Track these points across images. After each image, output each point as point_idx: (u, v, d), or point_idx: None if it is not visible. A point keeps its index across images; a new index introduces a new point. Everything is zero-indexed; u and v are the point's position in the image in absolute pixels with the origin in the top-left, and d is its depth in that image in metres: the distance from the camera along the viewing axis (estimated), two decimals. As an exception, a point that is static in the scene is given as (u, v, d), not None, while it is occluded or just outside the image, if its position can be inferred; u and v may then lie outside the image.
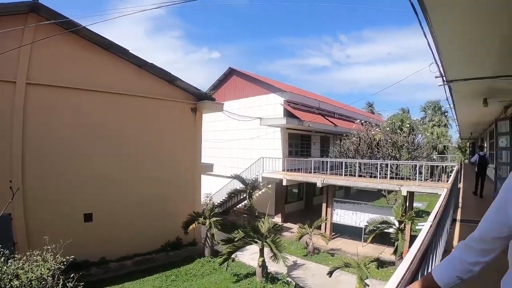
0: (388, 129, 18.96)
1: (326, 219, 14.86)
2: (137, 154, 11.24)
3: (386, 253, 12.74)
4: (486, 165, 9.81)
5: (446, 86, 6.71)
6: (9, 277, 5.73)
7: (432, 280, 1.11)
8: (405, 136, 17.79)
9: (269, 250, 9.76)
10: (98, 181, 10.28)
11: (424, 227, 3.18)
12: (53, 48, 9.32)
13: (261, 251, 9.99)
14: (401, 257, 10.52)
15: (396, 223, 11.71)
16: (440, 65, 5.33)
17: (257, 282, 9.76)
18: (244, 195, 16.05)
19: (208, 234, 11.82)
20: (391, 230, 11.85)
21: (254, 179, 16.26)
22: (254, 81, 20.47)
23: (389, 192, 17.54)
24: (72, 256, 6.92)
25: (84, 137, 10.04)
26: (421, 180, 13.15)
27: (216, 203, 17.20)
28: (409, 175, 15.92)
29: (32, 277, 6.00)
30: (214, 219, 11.61)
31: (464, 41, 4.22)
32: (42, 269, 6.22)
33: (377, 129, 19.51)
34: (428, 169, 14.24)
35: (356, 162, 15.96)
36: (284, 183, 16.39)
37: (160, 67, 11.47)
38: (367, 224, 12.50)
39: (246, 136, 19.94)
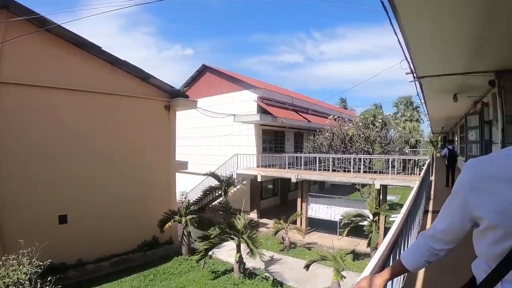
0: (361, 124, 19.27)
1: (301, 213, 14.97)
2: (112, 153, 10.86)
3: (361, 245, 12.99)
4: (456, 158, 10.22)
5: (417, 82, 6.90)
6: (-15, 282, 5.54)
7: (401, 265, 1.16)
8: (378, 131, 18.14)
9: (246, 246, 9.73)
10: (73, 182, 9.85)
11: (397, 219, 3.19)
12: (25, 46, 8.82)
13: (238, 247, 9.98)
14: (375, 249, 10.75)
15: (371, 216, 11.97)
16: (410, 62, 5.44)
17: (235, 278, 9.75)
18: (220, 192, 15.86)
19: (185, 232, 11.68)
20: (365, 223, 12.09)
21: (229, 176, 16.08)
22: (228, 78, 20.20)
23: (363, 186, 17.97)
24: (49, 260, 6.87)
25: (58, 137, 9.60)
26: (394, 174, 13.48)
27: (191, 201, 16.97)
28: (382, 169, 16.35)
29: (9, 282, 6.00)
30: (190, 216, 11.48)
31: (433, 39, 4.29)
32: (19, 273, 6.24)
33: (350, 124, 19.84)
34: (400, 163, 14.59)
35: (330, 157, 16.18)
36: (259, 179, 16.36)
37: (133, 64, 11.16)
38: (342, 217, 12.66)
39: (220, 133, 19.65)
